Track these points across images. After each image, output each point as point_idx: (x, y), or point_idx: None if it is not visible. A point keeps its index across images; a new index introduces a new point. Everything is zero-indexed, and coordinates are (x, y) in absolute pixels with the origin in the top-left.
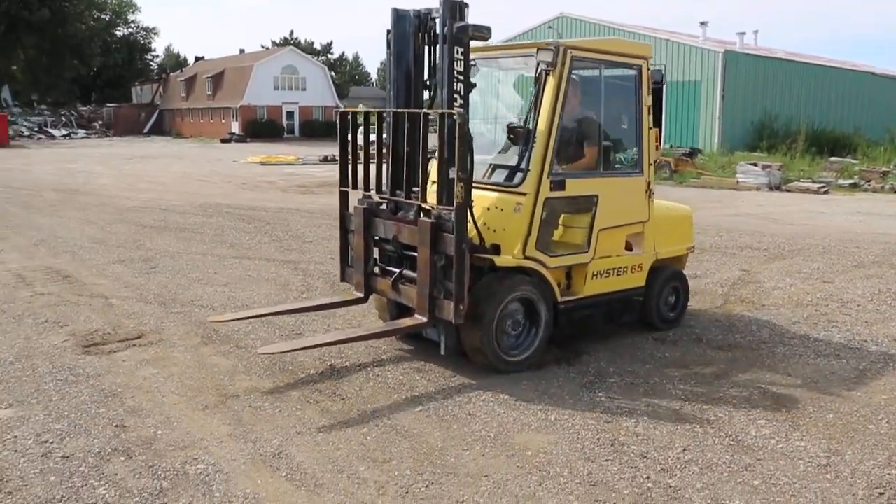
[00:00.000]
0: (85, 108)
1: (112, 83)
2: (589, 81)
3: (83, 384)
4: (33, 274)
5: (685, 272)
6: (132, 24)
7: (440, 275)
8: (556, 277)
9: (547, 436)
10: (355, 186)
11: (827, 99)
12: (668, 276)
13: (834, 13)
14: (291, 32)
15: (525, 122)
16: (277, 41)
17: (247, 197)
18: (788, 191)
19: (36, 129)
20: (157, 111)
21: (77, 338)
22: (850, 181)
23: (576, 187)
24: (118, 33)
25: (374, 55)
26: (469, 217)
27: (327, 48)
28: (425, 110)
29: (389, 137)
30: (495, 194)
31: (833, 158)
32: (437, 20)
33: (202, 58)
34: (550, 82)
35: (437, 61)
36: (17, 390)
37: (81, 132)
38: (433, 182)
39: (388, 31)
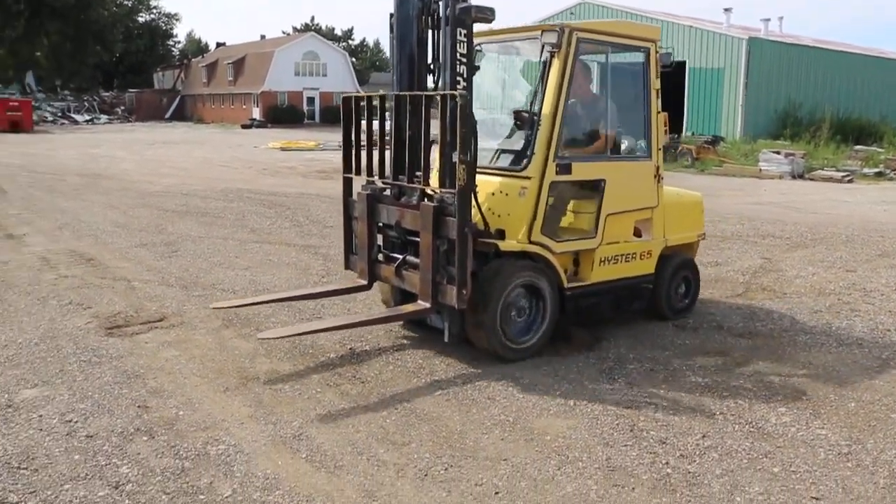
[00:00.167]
0: (107, 94)
1: (134, 69)
2: (598, 65)
3: (106, 365)
4: (57, 257)
5: (697, 260)
6: (154, 10)
7: (443, 260)
8: (563, 263)
9: (566, 420)
10: (358, 172)
11: (853, 86)
12: (678, 264)
13: None
14: (312, 18)
15: (530, 105)
16: (298, 27)
17: (267, 182)
18: (812, 179)
19: (59, 114)
20: (179, 97)
21: (100, 320)
22: (875, 170)
23: (582, 171)
24: (140, 19)
25: None
26: (473, 202)
27: (348, 34)
28: (427, 92)
29: (392, 122)
30: (501, 179)
31: (858, 147)
32: (441, 2)
33: (223, 44)
34: (555, 65)
35: (440, 44)
36: (42, 370)
37: (104, 118)
38: (435, 167)
39: (391, 14)
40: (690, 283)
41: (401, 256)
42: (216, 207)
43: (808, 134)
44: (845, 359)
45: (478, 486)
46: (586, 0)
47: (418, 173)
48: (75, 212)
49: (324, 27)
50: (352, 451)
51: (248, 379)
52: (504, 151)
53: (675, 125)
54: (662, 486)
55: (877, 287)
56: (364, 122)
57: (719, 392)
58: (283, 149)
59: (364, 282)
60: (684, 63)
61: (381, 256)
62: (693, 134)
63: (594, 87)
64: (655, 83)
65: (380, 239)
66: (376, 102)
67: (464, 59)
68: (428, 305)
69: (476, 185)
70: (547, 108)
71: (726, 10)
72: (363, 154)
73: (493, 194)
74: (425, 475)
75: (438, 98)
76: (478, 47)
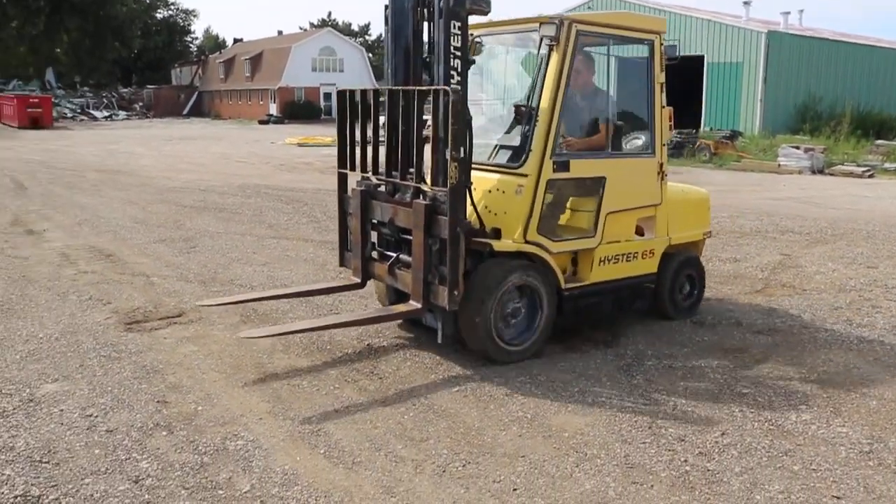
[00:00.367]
0: (126, 90)
1: (152, 65)
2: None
3: (125, 360)
4: (77, 252)
5: (715, 256)
6: (172, 7)
7: (435, 259)
8: (561, 263)
9: (584, 417)
10: (353, 168)
11: (874, 80)
12: (682, 263)
13: None
14: (329, 14)
15: (528, 100)
16: (315, 23)
17: (285, 178)
18: (832, 174)
19: (78, 110)
20: (196, 93)
21: (119, 315)
22: None
23: (581, 169)
24: (158, 15)
25: None
26: (468, 199)
27: (365, 29)
28: (418, 87)
29: (386, 117)
30: (498, 176)
31: (879, 141)
32: None
33: (240, 39)
34: (554, 59)
35: (434, 37)
36: (62, 365)
37: (122, 114)
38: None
39: (386, 7)
40: (696, 283)
41: (394, 254)
42: (234, 203)
43: (827, 128)
44: (866, 356)
45: (496, 483)
46: None
47: (412, 170)
48: (94, 208)
49: (340, 23)
50: (370, 446)
51: (266, 374)
52: (503, 147)
53: (693, 120)
54: (681, 484)
55: None
56: (360, 117)
57: (738, 389)
58: (300, 144)
59: (358, 280)
60: (702, 57)
61: (375, 254)
62: (711, 129)
63: (605, 82)
64: (660, 77)
65: (375, 236)
66: (371, 97)
67: (458, 53)
68: (419, 306)
69: (471, 182)
70: (544, 104)
71: (745, 3)
72: (357, 149)
73: (489, 192)
74: (443, 471)
75: (431, 93)
76: (477, 40)
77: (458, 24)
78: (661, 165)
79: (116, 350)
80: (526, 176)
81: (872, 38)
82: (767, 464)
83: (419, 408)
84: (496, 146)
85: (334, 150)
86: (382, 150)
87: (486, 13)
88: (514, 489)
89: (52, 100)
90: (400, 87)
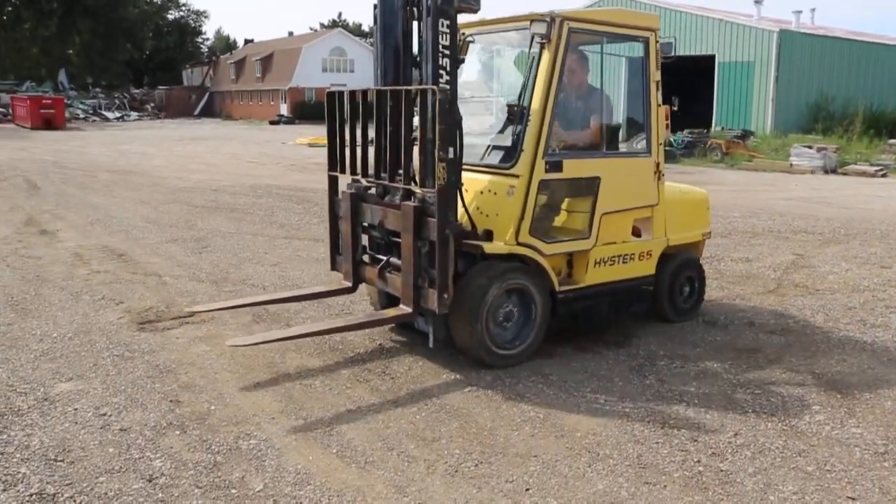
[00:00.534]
0: (137, 91)
1: (163, 66)
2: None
3: (138, 360)
4: (90, 252)
5: (727, 256)
6: (183, 8)
7: (424, 262)
8: (555, 265)
9: (596, 417)
10: (343, 170)
11: (887, 79)
12: (680, 264)
13: None
14: (340, 14)
15: (520, 99)
16: (326, 23)
17: (295, 178)
18: (844, 174)
19: (90, 111)
20: (208, 93)
21: (132, 315)
22: None
23: (574, 169)
24: (170, 17)
25: None
26: (459, 201)
27: None
28: (406, 87)
29: (374, 118)
30: (489, 177)
31: (892, 141)
32: None
33: (251, 40)
34: (545, 57)
35: (422, 35)
36: (76, 364)
37: (134, 114)
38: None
39: (375, 6)
40: (695, 284)
41: (385, 258)
42: (245, 203)
43: (840, 128)
44: (880, 356)
45: (508, 483)
46: None
47: (401, 171)
48: (107, 208)
49: (351, 23)
50: (382, 446)
51: (278, 374)
52: (495, 148)
53: (704, 120)
54: (694, 484)
55: None
56: (349, 119)
57: (751, 389)
58: (310, 145)
59: (349, 284)
60: (714, 57)
61: (366, 258)
62: (723, 128)
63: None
64: (655, 75)
65: (366, 240)
66: (360, 98)
67: (447, 52)
68: (409, 310)
69: (462, 184)
70: (536, 103)
71: (757, 2)
72: (347, 152)
73: (481, 193)
74: (456, 471)
75: (418, 93)
76: (469, 38)
77: (446, 22)
78: (658, 165)
79: (129, 349)
80: (517, 177)
81: (886, 36)
82: (781, 464)
83: (431, 408)
84: (489, 146)
85: None
86: (373, 152)
87: (475, 11)
88: (527, 489)
89: (65, 101)
90: (387, 88)
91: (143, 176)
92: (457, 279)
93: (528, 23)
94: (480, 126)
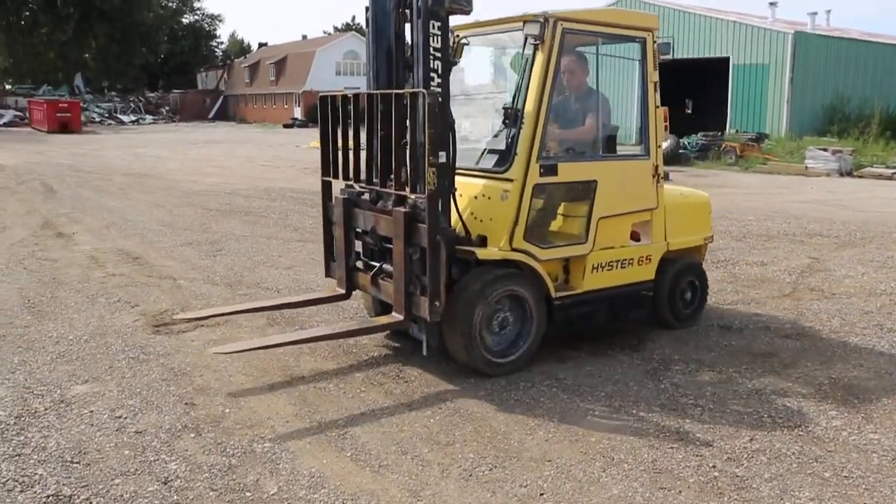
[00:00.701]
0: (152, 95)
1: (178, 70)
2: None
3: (153, 362)
4: (105, 255)
5: (743, 259)
6: (198, 12)
7: (416, 269)
8: (551, 271)
9: (611, 422)
10: (336, 176)
11: None
12: (681, 269)
13: None
14: (353, 18)
15: (514, 101)
16: (339, 27)
17: (309, 181)
18: (860, 177)
19: (106, 115)
20: (222, 97)
21: (147, 317)
22: None
23: (570, 172)
24: (184, 21)
25: None
26: (453, 206)
27: None
28: (396, 91)
29: (365, 122)
30: (484, 181)
31: None
32: None
33: (265, 44)
34: (539, 58)
35: (413, 37)
36: (92, 367)
37: (149, 118)
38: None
39: (367, 8)
40: (697, 290)
41: (378, 264)
42: (259, 206)
43: (856, 130)
44: None
45: (522, 488)
46: None
47: (392, 176)
48: (122, 211)
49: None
50: (396, 450)
51: (292, 377)
52: (490, 151)
53: (718, 122)
54: (710, 490)
55: None
56: (341, 123)
57: (766, 394)
58: None
59: (342, 291)
60: (728, 59)
61: (360, 264)
62: (737, 131)
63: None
64: (653, 75)
65: (360, 246)
66: (352, 102)
67: (438, 54)
68: (401, 318)
69: (456, 188)
70: (530, 106)
71: (771, 3)
72: (340, 156)
73: (475, 198)
74: (470, 475)
75: (408, 96)
76: (464, 40)
77: (437, 24)
78: (657, 168)
79: (145, 352)
80: (511, 181)
81: None
82: (798, 470)
83: (445, 411)
84: (484, 150)
85: None
86: (360, 156)
87: (467, 13)
88: (541, 494)
89: (81, 104)
90: (378, 91)
91: (157, 179)
92: (451, 286)
93: (521, 24)
94: (486, 129)
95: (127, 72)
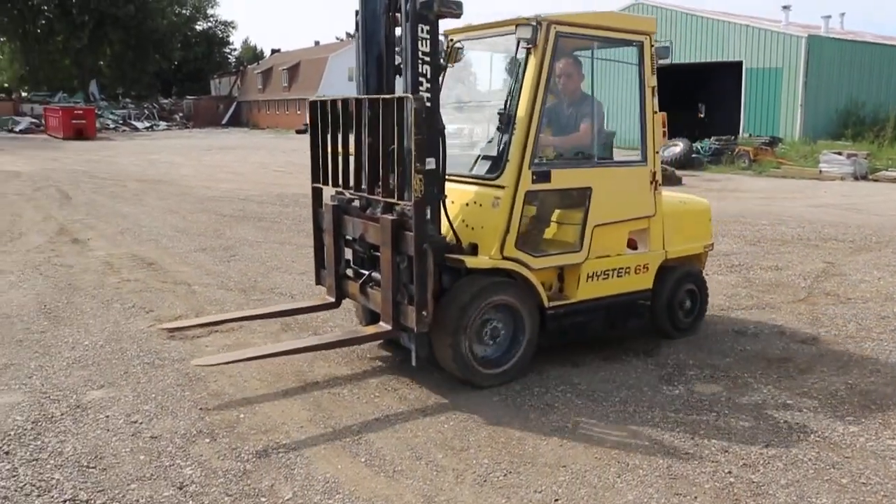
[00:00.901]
0: (166, 101)
1: (192, 76)
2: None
3: (168, 367)
4: (120, 261)
5: (757, 264)
6: (211, 19)
7: (404, 277)
8: (545, 280)
9: (625, 427)
10: (326, 182)
11: None
12: (680, 278)
13: None
14: None
15: (506, 107)
16: (352, 33)
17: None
18: (875, 180)
19: (120, 121)
20: (235, 103)
21: (162, 322)
22: None
23: (563, 179)
24: (198, 27)
25: None
26: (443, 214)
27: (400, 40)
28: (384, 96)
29: (354, 128)
30: (476, 188)
31: None
32: None
33: (278, 50)
34: (531, 63)
35: (402, 41)
36: (107, 372)
37: (163, 124)
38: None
39: (357, 12)
40: (697, 298)
41: (367, 272)
42: (272, 212)
43: (871, 134)
44: None
45: (537, 493)
46: (640, 1)
47: (381, 183)
48: (136, 217)
49: None
50: (411, 455)
51: (306, 383)
52: (484, 157)
53: (731, 126)
54: (725, 496)
55: None
56: (331, 128)
57: (782, 400)
58: None
59: (332, 299)
60: (741, 63)
61: (349, 272)
62: (750, 135)
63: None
64: (651, 80)
65: (348, 253)
66: (341, 107)
67: (427, 59)
68: (389, 328)
69: (446, 195)
70: (522, 111)
71: (784, 7)
72: (330, 162)
73: (466, 205)
74: (484, 481)
75: (394, 102)
76: (458, 44)
77: (426, 27)
78: (654, 174)
79: (159, 357)
80: (503, 188)
81: None
82: (814, 476)
83: (459, 417)
84: (478, 155)
85: None
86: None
87: (457, 16)
88: (556, 500)
89: (96, 111)
90: (366, 97)
91: (171, 185)
92: (441, 295)
93: (514, 27)
94: (486, 134)
95: (141, 78)
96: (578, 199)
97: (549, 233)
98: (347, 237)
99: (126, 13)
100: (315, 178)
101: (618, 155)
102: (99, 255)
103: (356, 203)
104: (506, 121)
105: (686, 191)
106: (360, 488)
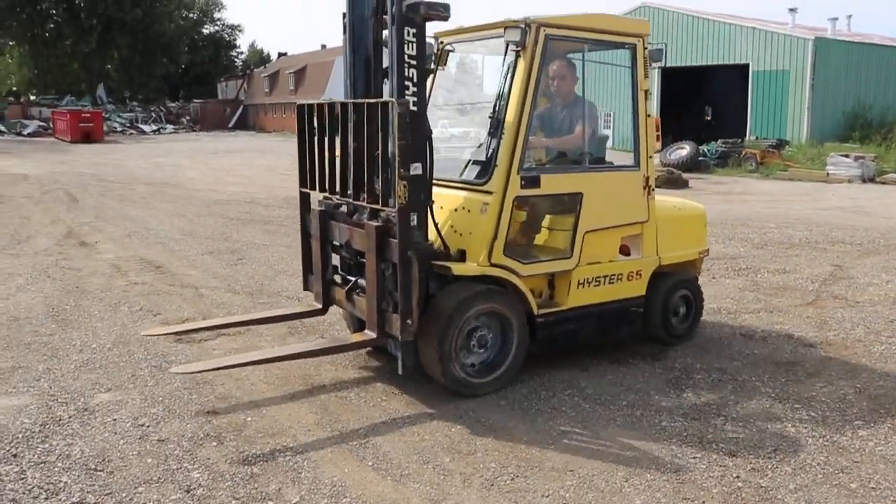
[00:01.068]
0: (173, 105)
1: (199, 80)
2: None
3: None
4: (127, 264)
5: (764, 267)
6: (218, 23)
7: (389, 285)
8: (535, 286)
9: (632, 431)
10: (313, 187)
11: None
12: (674, 284)
13: None
14: None
15: (494, 110)
16: None
17: None
18: (883, 183)
19: (128, 124)
20: (242, 106)
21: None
22: None
23: (553, 184)
24: (205, 31)
25: None
26: (430, 220)
27: None
28: (368, 100)
29: (340, 133)
30: (465, 193)
31: None
32: None
33: (285, 54)
34: (520, 66)
35: (388, 45)
36: (115, 375)
37: (170, 127)
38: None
39: (344, 14)
40: (691, 305)
41: (354, 279)
42: (279, 215)
43: (878, 136)
44: None
45: (545, 497)
46: (647, 3)
47: (366, 189)
48: (144, 220)
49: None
50: (417, 459)
51: (313, 386)
52: (474, 162)
53: (738, 129)
54: (734, 501)
55: None
56: (318, 133)
57: (791, 404)
58: None
59: (319, 305)
60: (747, 66)
61: (337, 278)
62: (757, 138)
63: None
64: (644, 83)
65: (336, 259)
66: (327, 112)
67: (413, 62)
68: (374, 336)
69: (433, 201)
70: (510, 116)
71: (791, 10)
72: (317, 167)
73: (455, 210)
74: (492, 485)
75: (379, 106)
76: (449, 47)
77: (412, 31)
78: (648, 179)
79: (167, 360)
80: (491, 193)
81: None
82: (823, 481)
83: (466, 421)
84: (469, 160)
85: None
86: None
87: (444, 19)
88: None
89: (103, 114)
90: (351, 101)
91: (178, 188)
92: (428, 302)
93: (503, 30)
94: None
95: (148, 82)
96: (569, 204)
97: (540, 239)
98: (334, 243)
99: (133, 17)
100: (303, 183)
101: (618, 157)
102: (107, 258)
103: (343, 208)
104: (495, 125)
105: (693, 193)
106: (367, 492)
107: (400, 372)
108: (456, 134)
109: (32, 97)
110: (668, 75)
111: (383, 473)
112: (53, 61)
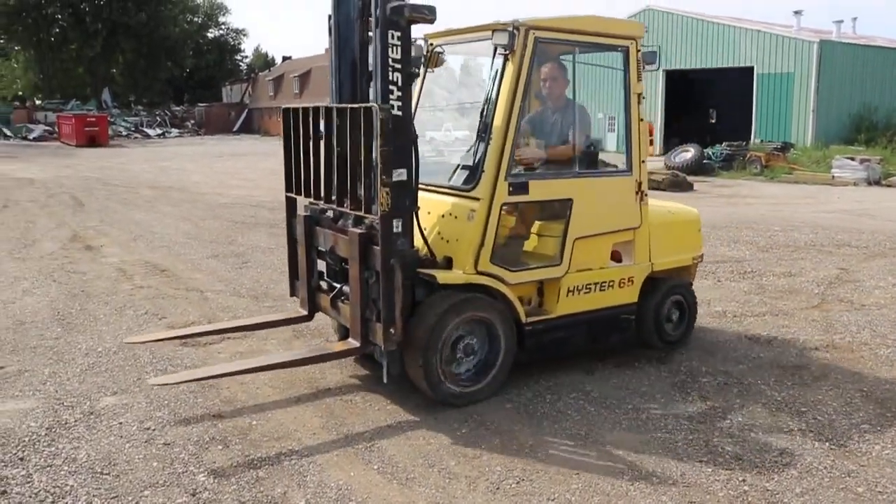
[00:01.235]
0: (178, 108)
1: (203, 84)
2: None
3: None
4: (133, 268)
5: (769, 270)
6: (223, 26)
7: (373, 293)
8: (523, 294)
9: (638, 435)
10: (298, 192)
11: None
12: (667, 290)
13: None
14: None
15: (482, 115)
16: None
17: None
18: (889, 186)
19: (133, 128)
20: (246, 110)
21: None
22: None
23: (542, 190)
24: (209, 35)
25: None
26: (416, 226)
27: None
28: (351, 105)
29: (324, 138)
30: (453, 199)
31: None
32: (373, 0)
33: (289, 57)
34: (509, 70)
35: (373, 48)
36: (120, 379)
37: (175, 131)
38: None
39: (330, 16)
40: (685, 311)
41: (339, 286)
42: (283, 219)
43: (883, 139)
44: None
45: (550, 501)
46: (651, 6)
47: (349, 195)
48: (149, 223)
49: None
50: (423, 462)
51: (318, 390)
52: (462, 167)
53: (743, 132)
54: None
55: None
56: (302, 138)
57: (796, 407)
58: None
59: (304, 312)
60: (752, 68)
61: (323, 284)
62: (762, 141)
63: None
64: (637, 87)
65: (322, 266)
66: (312, 116)
67: (398, 66)
68: (357, 345)
69: (419, 207)
70: (498, 120)
71: (796, 12)
72: (302, 172)
73: (443, 216)
74: (497, 488)
75: (362, 111)
76: (439, 49)
77: (396, 34)
78: (640, 185)
79: (172, 364)
80: (478, 199)
81: None
82: (829, 485)
83: (472, 424)
84: (457, 165)
85: None
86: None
87: (430, 22)
88: None
89: (108, 119)
90: (335, 105)
91: (183, 192)
92: (414, 310)
93: (491, 32)
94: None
95: (153, 86)
96: (559, 210)
97: (529, 245)
98: (320, 249)
99: (138, 21)
100: (288, 188)
101: (620, 160)
102: (112, 262)
103: (328, 214)
104: (483, 130)
105: (697, 196)
106: (373, 496)
107: (385, 380)
108: (460, 137)
109: (38, 101)
110: (673, 78)
111: (389, 477)
112: (59, 66)
